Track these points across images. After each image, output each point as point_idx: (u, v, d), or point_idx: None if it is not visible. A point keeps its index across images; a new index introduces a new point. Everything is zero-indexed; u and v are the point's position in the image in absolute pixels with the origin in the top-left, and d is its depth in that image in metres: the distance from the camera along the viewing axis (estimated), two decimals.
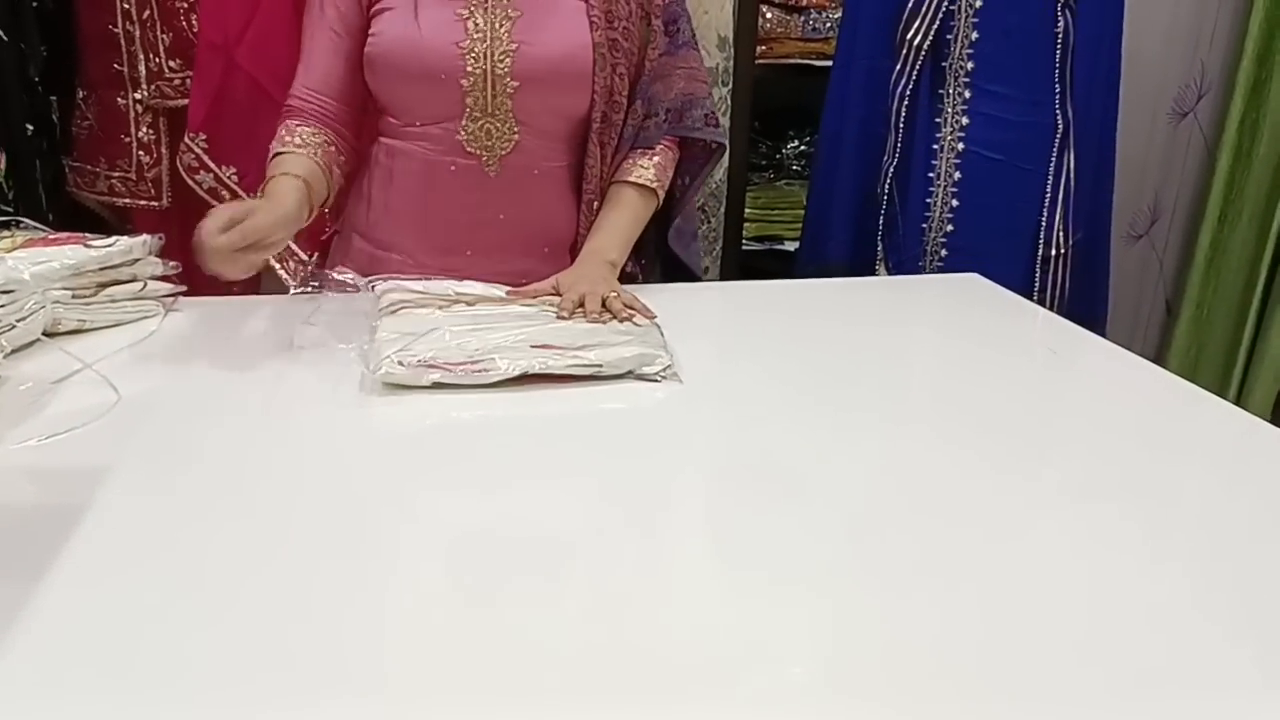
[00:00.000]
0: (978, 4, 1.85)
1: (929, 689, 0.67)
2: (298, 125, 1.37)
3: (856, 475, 0.98)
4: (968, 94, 1.89)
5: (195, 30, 1.82)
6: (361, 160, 1.46)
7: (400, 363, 1.10)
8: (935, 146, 1.93)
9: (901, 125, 1.91)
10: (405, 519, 0.88)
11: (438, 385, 1.10)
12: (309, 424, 1.06)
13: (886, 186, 1.96)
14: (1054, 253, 1.94)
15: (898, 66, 1.89)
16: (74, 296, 1.24)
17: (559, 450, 1.02)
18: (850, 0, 2.00)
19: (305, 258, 1.79)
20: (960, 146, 1.92)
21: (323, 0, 1.37)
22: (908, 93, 1.90)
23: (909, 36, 1.86)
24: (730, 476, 1.00)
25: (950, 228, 1.95)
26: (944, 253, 1.96)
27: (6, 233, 1.29)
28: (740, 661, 0.69)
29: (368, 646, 0.70)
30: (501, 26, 1.33)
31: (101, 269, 1.27)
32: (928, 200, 1.95)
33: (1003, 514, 0.91)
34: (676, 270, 1.61)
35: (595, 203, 1.45)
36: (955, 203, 1.94)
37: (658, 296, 1.33)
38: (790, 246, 2.50)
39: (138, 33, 1.82)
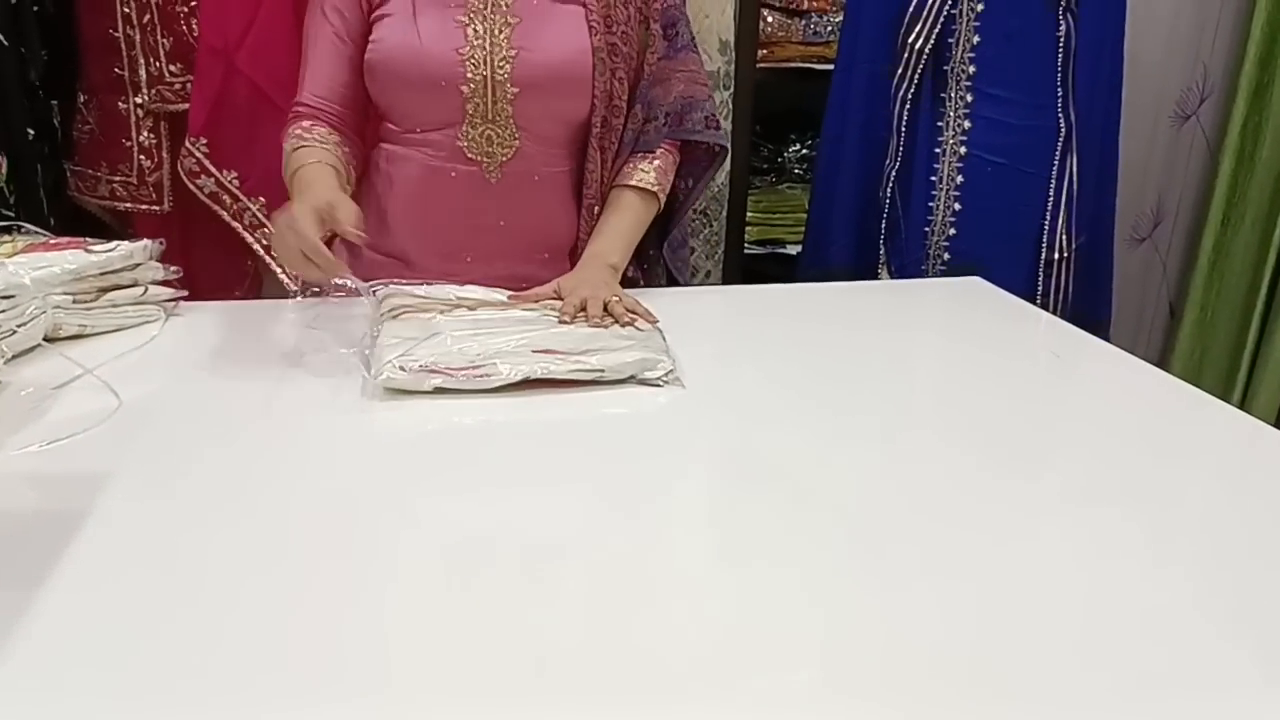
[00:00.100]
0: (979, 7, 1.85)
1: (931, 692, 0.67)
2: (312, 125, 1.36)
3: (859, 479, 0.98)
4: (969, 98, 1.89)
5: (196, 35, 1.83)
6: (364, 166, 1.46)
7: (401, 368, 1.10)
8: (937, 150, 1.93)
9: (903, 129, 1.91)
10: (406, 524, 0.88)
11: (439, 390, 1.10)
12: (310, 429, 1.06)
13: (888, 190, 1.96)
14: (1057, 256, 1.93)
15: (899, 70, 1.89)
16: (75, 301, 1.24)
17: (561, 455, 1.01)
18: (851, 4, 1.99)
19: None
20: (962, 150, 1.91)
21: (324, 6, 1.37)
22: (909, 96, 1.89)
23: (910, 40, 1.86)
24: (732, 481, 1.00)
25: (953, 231, 1.95)
26: (946, 256, 1.96)
27: (7, 237, 1.29)
28: (742, 664, 0.69)
29: (369, 650, 0.70)
30: (501, 33, 1.33)
31: (102, 274, 1.27)
32: (930, 204, 1.95)
33: (1005, 518, 0.90)
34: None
35: (596, 208, 1.45)
36: (957, 206, 1.93)
37: (659, 300, 1.33)
38: (792, 250, 2.49)
39: (138, 37, 1.82)
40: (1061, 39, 1.85)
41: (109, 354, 1.19)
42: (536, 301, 1.32)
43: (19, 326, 1.14)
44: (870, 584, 0.80)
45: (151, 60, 1.84)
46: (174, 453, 0.99)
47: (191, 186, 1.85)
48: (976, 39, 1.86)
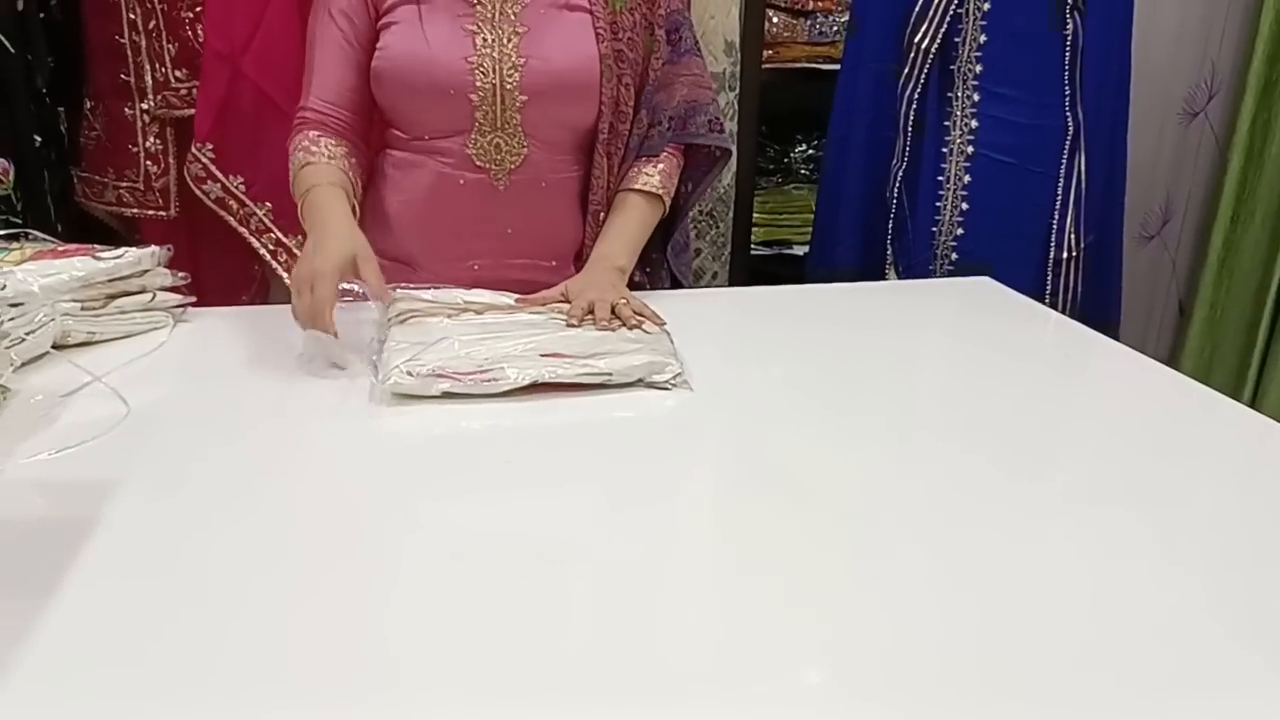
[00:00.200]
0: (985, 6, 1.84)
1: (941, 693, 0.67)
2: (319, 136, 1.36)
3: (867, 481, 0.98)
4: (976, 97, 1.88)
5: (201, 40, 1.83)
6: (369, 171, 1.46)
7: (409, 373, 1.09)
8: (944, 150, 1.92)
9: (910, 129, 1.91)
10: (414, 528, 0.88)
11: (447, 395, 1.09)
12: (318, 434, 1.06)
13: (895, 190, 1.95)
14: (1066, 255, 1.93)
15: (905, 70, 1.88)
16: (83, 309, 1.24)
17: (568, 459, 1.01)
18: (857, 4, 1.99)
19: None
20: (970, 150, 1.91)
21: (332, 10, 1.36)
22: (916, 96, 1.89)
23: (917, 40, 1.86)
24: (741, 484, 0.99)
25: (960, 231, 1.94)
26: (954, 256, 1.95)
27: (15, 245, 1.29)
28: (750, 665, 0.69)
29: (378, 652, 0.70)
30: (510, 41, 1.33)
31: (110, 280, 1.27)
32: (937, 204, 1.94)
33: (1014, 518, 0.90)
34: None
35: (602, 213, 1.45)
36: (965, 206, 1.93)
37: (667, 303, 1.33)
38: (799, 251, 2.49)
39: (144, 43, 1.82)
40: (1069, 37, 1.84)
41: (117, 361, 1.19)
42: (544, 305, 1.32)
43: (28, 334, 1.14)
44: (880, 585, 0.80)
45: (157, 66, 1.84)
46: (183, 459, 0.99)
47: (198, 192, 1.86)
48: (983, 38, 1.85)
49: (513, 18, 1.34)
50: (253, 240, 1.89)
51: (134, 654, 0.69)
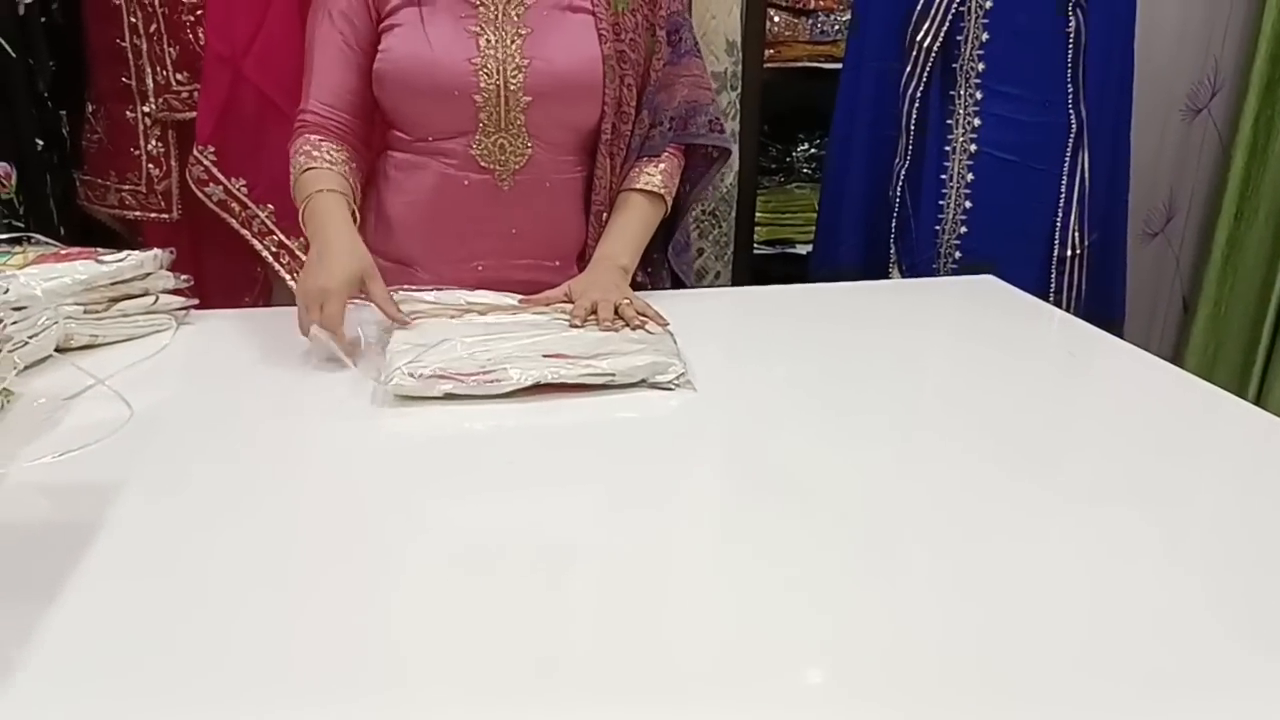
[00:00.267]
0: (988, 4, 1.83)
1: (943, 692, 0.67)
2: (320, 140, 1.36)
3: (871, 480, 0.97)
4: (979, 95, 1.88)
5: (202, 43, 1.83)
6: (369, 173, 1.46)
7: (411, 374, 1.09)
8: (947, 148, 1.92)
9: (912, 127, 1.90)
10: (418, 529, 0.88)
11: (449, 396, 1.09)
12: (321, 437, 1.06)
13: (898, 189, 1.95)
14: (1070, 253, 1.92)
15: (908, 68, 1.88)
16: (86, 312, 1.24)
17: (572, 459, 1.01)
18: (859, 2, 1.98)
19: None
20: (973, 148, 1.90)
21: (332, 12, 1.36)
22: (918, 95, 1.88)
23: (919, 38, 1.85)
24: (744, 484, 0.99)
25: (964, 230, 1.93)
26: (958, 255, 1.95)
27: (18, 248, 1.29)
28: (752, 665, 0.69)
29: (382, 651, 0.70)
30: (513, 43, 1.33)
31: (113, 284, 1.27)
32: (940, 202, 1.94)
33: (1017, 517, 0.90)
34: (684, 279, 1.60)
35: (604, 213, 1.45)
36: (968, 204, 1.92)
37: (669, 303, 1.33)
38: (802, 250, 2.48)
39: (145, 46, 1.82)
40: (1071, 35, 1.83)
41: (120, 364, 1.19)
42: (547, 305, 1.32)
43: (31, 337, 1.14)
44: (882, 585, 0.80)
45: (158, 69, 1.84)
46: (186, 461, 0.99)
47: (200, 194, 1.85)
48: (985, 36, 1.85)
49: (516, 19, 1.34)
50: (255, 242, 1.89)
51: (138, 655, 0.69)
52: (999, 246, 1.89)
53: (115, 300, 1.27)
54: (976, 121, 1.89)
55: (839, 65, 2.07)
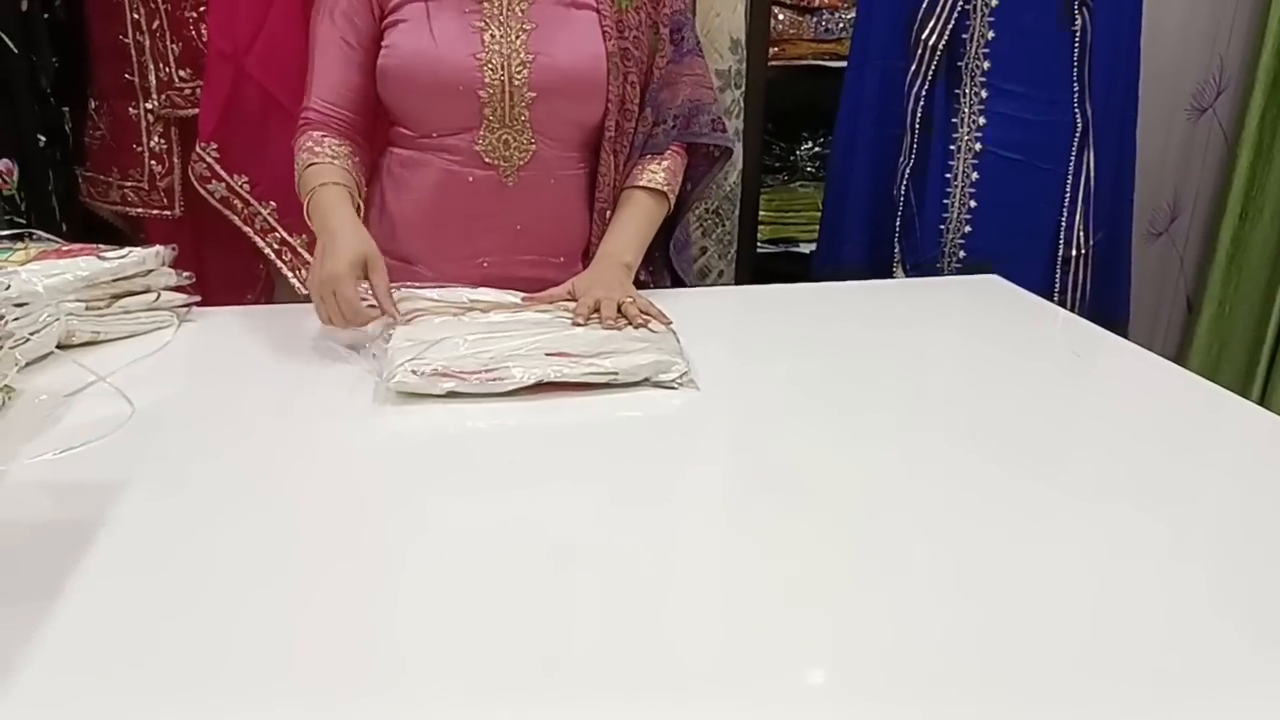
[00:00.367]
0: (993, 3, 1.83)
1: (947, 693, 0.66)
2: (323, 136, 1.36)
3: (874, 480, 0.97)
4: (984, 94, 1.87)
5: (205, 40, 1.83)
6: (372, 170, 1.46)
7: (414, 372, 1.09)
8: (952, 147, 1.91)
9: (917, 126, 1.90)
10: (420, 527, 0.87)
11: (452, 394, 1.09)
12: (324, 434, 1.06)
13: (903, 188, 1.94)
14: (1074, 253, 1.92)
15: (913, 67, 1.87)
16: (88, 308, 1.23)
17: (574, 458, 1.01)
18: (864, 0, 1.98)
19: None
20: (978, 147, 1.90)
21: (333, 10, 1.36)
22: (923, 93, 1.88)
23: (924, 36, 1.85)
24: (747, 483, 0.99)
25: (968, 229, 1.93)
26: (962, 254, 1.94)
27: (20, 245, 1.29)
28: (755, 664, 0.69)
29: (384, 650, 0.70)
30: (518, 39, 1.33)
31: (115, 280, 1.27)
32: (945, 201, 1.93)
33: (1021, 517, 0.90)
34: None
35: (608, 210, 1.45)
36: (973, 204, 1.92)
37: (673, 301, 1.33)
38: (805, 249, 2.48)
39: (148, 43, 1.82)
40: (1077, 33, 1.83)
41: (122, 361, 1.19)
42: (551, 303, 1.31)
43: (32, 334, 1.14)
44: (885, 584, 0.80)
45: (161, 66, 1.84)
46: (187, 458, 0.99)
47: (202, 191, 1.85)
48: (991, 34, 1.84)
49: (520, 15, 1.34)
50: (257, 240, 1.89)
51: (139, 653, 0.69)
52: (1004, 246, 1.88)
53: (117, 297, 1.27)
54: (981, 120, 1.88)
55: (844, 63, 2.06)
